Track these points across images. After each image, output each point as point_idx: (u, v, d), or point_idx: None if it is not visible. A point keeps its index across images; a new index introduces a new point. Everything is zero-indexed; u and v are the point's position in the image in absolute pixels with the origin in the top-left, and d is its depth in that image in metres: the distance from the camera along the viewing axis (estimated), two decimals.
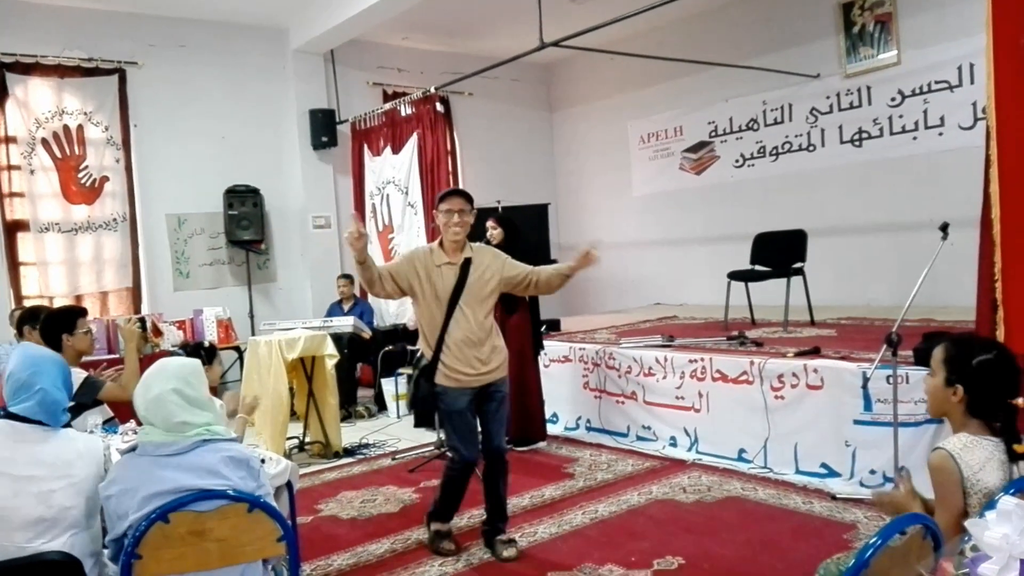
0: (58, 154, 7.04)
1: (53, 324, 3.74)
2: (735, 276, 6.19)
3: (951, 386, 2.09)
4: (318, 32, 7.79)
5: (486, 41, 8.89)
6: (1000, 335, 3.20)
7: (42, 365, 2.31)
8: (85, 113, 7.15)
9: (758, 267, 6.21)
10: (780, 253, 6.12)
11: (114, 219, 7.29)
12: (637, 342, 5.63)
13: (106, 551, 2.17)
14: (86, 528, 2.19)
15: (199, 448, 2.08)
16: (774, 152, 8.10)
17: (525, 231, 5.97)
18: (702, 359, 4.97)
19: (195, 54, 7.73)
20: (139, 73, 7.42)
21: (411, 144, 7.68)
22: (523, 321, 5.27)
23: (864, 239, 7.32)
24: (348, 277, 7.71)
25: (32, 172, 6.90)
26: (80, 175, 7.15)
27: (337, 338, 5.90)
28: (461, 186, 8.67)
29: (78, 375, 3.63)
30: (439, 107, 8.42)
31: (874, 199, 7.25)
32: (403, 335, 7.30)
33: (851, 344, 4.85)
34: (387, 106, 8.19)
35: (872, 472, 4.09)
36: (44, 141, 6.96)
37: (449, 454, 3.71)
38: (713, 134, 8.67)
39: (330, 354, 5.52)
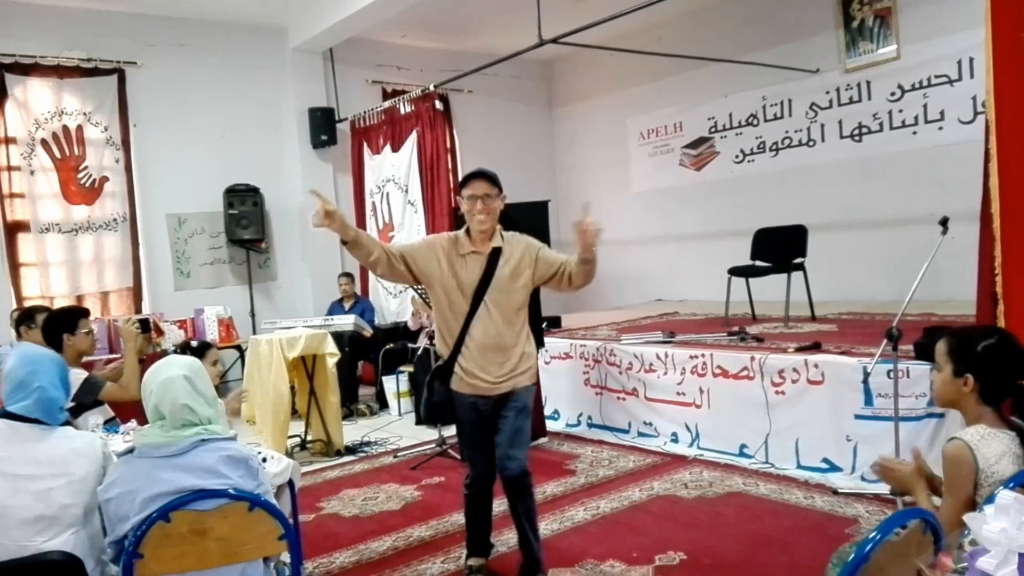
0: (58, 154, 7.04)
1: (54, 324, 3.75)
2: (735, 272, 6.19)
3: (960, 376, 2.09)
4: (317, 31, 7.78)
5: (485, 38, 8.88)
6: None
7: (40, 364, 2.32)
8: (84, 113, 7.15)
9: (758, 263, 6.21)
10: (780, 248, 6.12)
11: (114, 219, 7.30)
12: (638, 338, 5.63)
13: (107, 552, 2.18)
14: (85, 525, 2.20)
15: (197, 448, 2.08)
16: (774, 147, 8.10)
17: (525, 228, 5.95)
18: (703, 355, 4.98)
19: (194, 54, 7.72)
20: (138, 73, 7.42)
21: (411, 142, 7.67)
22: None
23: (864, 234, 7.32)
24: (349, 275, 7.71)
25: (32, 173, 6.90)
26: (80, 175, 7.15)
27: (338, 336, 5.92)
28: None
29: (79, 375, 3.64)
30: (438, 105, 8.40)
31: (874, 194, 7.24)
32: (404, 333, 7.30)
33: (852, 339, 4.86)
34: (386, 104, 8.18)
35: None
36: (44, 142, 6.96)
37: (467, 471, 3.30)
38: (713, 130, 8.66)
39: (331, 352, 5.53)
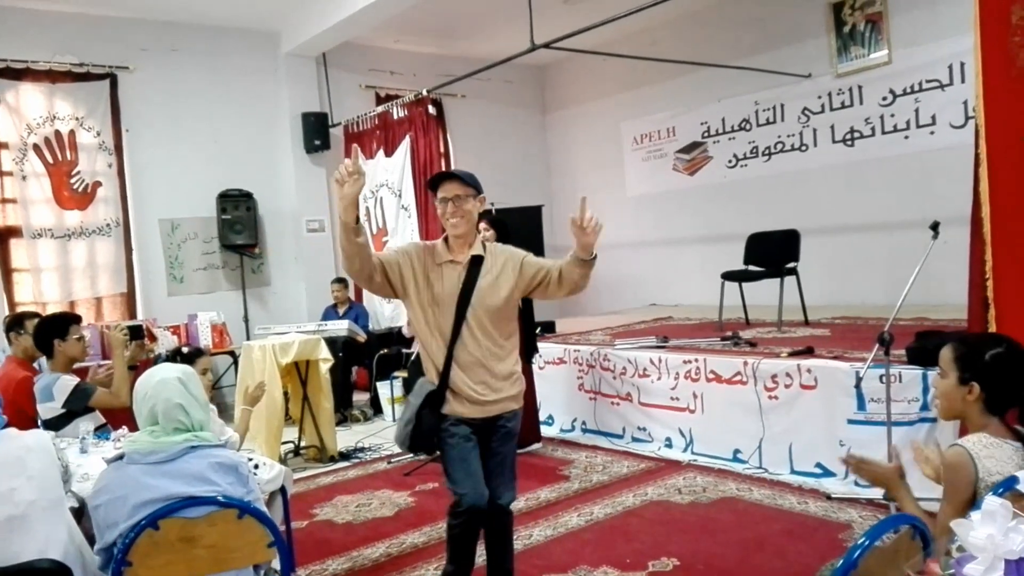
0: (50, 159, 7.02)
1: (45, 330, 3.74)
2: (729, 276, 6.20)
3: (966, 384, 2.06)
4: (310, 35, 7.78)
5: (478, 43, 8.89)
6: None
7: None
8: (77, 118, 7.13)
9: (752, 267, 6.22)
10: (773, 253, 6.13)
11: (107, 224, 7.27)
12: (632, 343, 5.63)
13: (96, 559, 2.16)
14: (59, 520, 2.19)
15: (187, 455, 2.08)
16: (766, 152, 8.12)
17: (519, 233, 5.97)
18: (696, 360, 4.98)
19: (187, 58, 7.72)
20: (130, 78, 7.40)
21: (404, 147, 7.67)
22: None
23: (857, 238, 7.34)
24: (342, 281, 7.70)
25: (24, 178, 6.88)
26: (72, 180, 7.13)
27: (332, 342, 5.90)
28: None
29: (69, 382, 3.63)
30: (432, 109, 8.42)
31: (866, 198, 7.27)
32: (398, 339, 7.29)
33: (844, 343, 4.87)
34: (379, 109, 8.19)
35: None
36: (36, 147, 6.94)
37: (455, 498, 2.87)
38: (706, 134, 8.68)
39: (324, 358, 5.51)
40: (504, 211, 7.25)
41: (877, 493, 3.66)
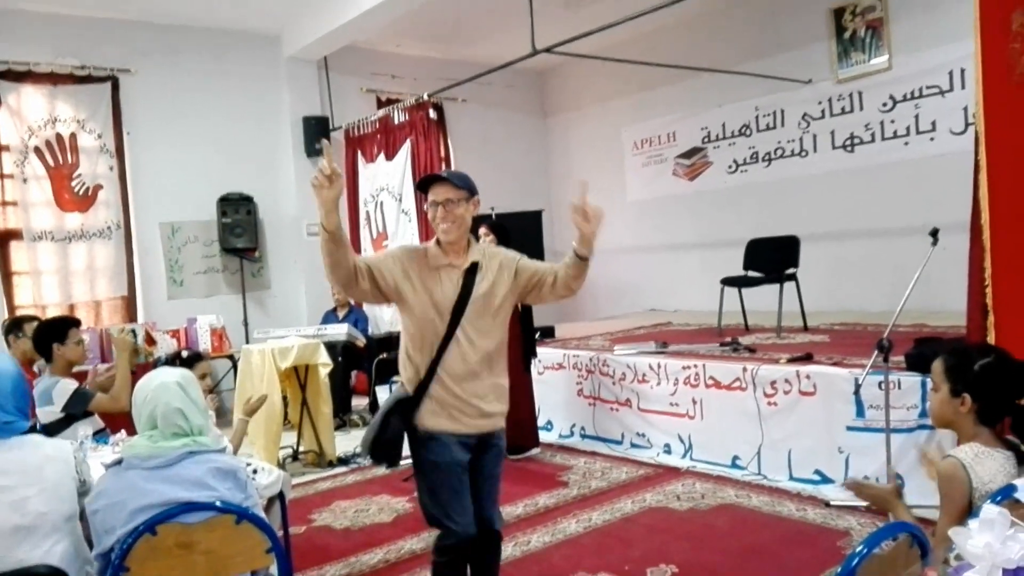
0: (51, 162, 7.02)
1: (44, 334, 3.73)
2: (728, 282, 6.20)
3: (958, 396, 2.06)
4: (311, 39, 7.79)
5: (479, 47, 8.91)
6: (991, 340, 3.20)
7: None
8: (78, 121, 7.14)
9: (751, 273, 6.22)
10: (773, 259, 6.13)
11: (108, 227, 7.27)
12: (631, 349, 5.63)
13: (94, 565, 2.16)
14: (67, 534, 2.17)
15: (185, 460, 2.08)
16: (767, 158, 8.12)
17: (519, 238, 5.98)
18: (695, 365, 4.98)
19: (188, 62, 7.72)
20: (132, 81, 7.41)
21: (405, 151, 7.68)
22: (514, 327, 5.26)
23: (857, 244, 7.33)
24: None
25: (25, 180, 6.88)
26: (73, 183, 7.13)
27: (331, 346, 5.90)
28: None
29: (68, 386, 3.63)
30: (432, 113, 8.42)
31: (866, 204, 7.27)
32: (398, 343, 7.27)
33: (844, 350, 4.86)
34: (380, 113, 8.19)
35: (865, 478, 4.08)
36: (37, 149, 6.94)
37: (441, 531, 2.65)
38: (706, 140, 8.69)
39: (324, 363, 5.51)
40: (504, 215, 7.25)
41: None
